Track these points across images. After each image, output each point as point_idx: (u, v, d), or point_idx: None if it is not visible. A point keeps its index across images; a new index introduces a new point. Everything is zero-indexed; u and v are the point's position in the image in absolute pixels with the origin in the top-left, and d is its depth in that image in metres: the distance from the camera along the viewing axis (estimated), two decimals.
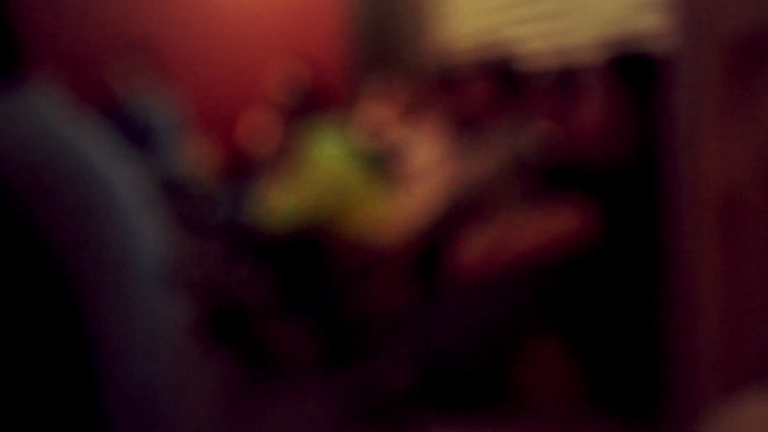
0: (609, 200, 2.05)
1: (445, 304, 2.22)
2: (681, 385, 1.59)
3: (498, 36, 4.66)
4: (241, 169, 4.97)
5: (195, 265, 3.66)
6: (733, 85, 1.45)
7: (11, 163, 1.10)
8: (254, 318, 2.69)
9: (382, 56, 5.61)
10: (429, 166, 3.52)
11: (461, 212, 2.56)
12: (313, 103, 3.48)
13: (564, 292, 2.04)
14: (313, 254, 3.27)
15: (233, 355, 2.62)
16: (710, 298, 1.51)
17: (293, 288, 3.03)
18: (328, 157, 3.39)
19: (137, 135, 5.62)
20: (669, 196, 1.59)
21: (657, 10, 3.07)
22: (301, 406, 2.41)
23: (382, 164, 3.69)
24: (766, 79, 1.40)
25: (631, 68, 2.12)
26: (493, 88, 3.08)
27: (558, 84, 2.68)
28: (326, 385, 2.48)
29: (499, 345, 2.06)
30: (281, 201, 3.38)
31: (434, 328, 2.12)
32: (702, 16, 1.47)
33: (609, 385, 2.03)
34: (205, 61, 6.42)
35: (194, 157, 6.17)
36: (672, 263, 1.60)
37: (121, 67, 5.49)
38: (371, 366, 2.38)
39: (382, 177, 3.58)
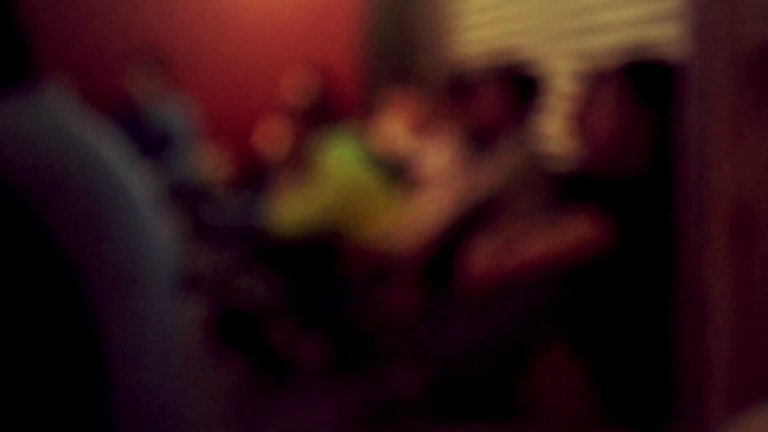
0: (622, 209, 2.04)
1: (455, 312, 2.22)
2: (692, 398, 1.59)
3: (512, 45, 4.66)
4: (255, 176, 4.99)
5: (207, 270, 3.67)
6: (747, 95, 1.45)
7: (23, 163, 1.11)
8: (265, 322, 2.69)
9: (396, 66, 5.64)
10: (442, 175, 3.52)
11: (473, 221, 2.56)
12: (328, 111, 3.49)
13: (575, 302, 2.04)
14: (324, 260, 3.28)
15: (244, 359, 2.62)
16: (722, 309, 1.51)
17: (304, 293, 3.04)
18: (342, 165, 3.40)
19: (152, 141, 5.66)
20: (682, 206, 1.58)
21: (671, 21, 3.07)
22: (310, 411, 2.41)
23: (395, 173, 3.70)
24: None
25: (646, 77, 2.11)
26: (506, 97, 3.08)
27: (572, 91, 2.67)
28: (335, 391, 2.48)
29: (508, 354, 2.05)
30: (295, 207, 3.40)
31: (444, 335, 2.11)
32: (715, 27, 1.47)
33: (620, 397, 2.02)
34: (220, 69, 6.46)
35: (209, 163, 6.20)
36: (684, 274, 1.59)
37: (137, 73, 5.53)
38: (380, 372, 2.38)
39: (396, 185, 3.59)
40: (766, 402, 1.44)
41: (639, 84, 2.10)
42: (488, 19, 5.19)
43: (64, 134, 1.18)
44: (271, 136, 4.97)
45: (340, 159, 3.42)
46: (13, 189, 1.07)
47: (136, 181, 1.28)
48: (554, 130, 3.94)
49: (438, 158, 3.61)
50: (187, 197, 4.67)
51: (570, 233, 2.04)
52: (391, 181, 3.54)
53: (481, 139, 3.19)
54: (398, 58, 6.09)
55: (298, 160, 3.49)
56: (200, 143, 5.99)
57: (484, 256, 2.20)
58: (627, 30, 3.35)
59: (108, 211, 1.17)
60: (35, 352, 0.92)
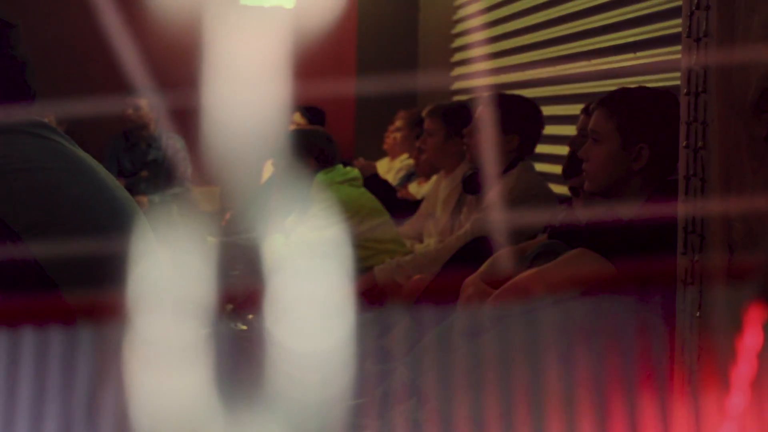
0: (618, 248, 2.04)
1: (454, 341, 2.20)
2: None
3: (511, 80, 4.70)
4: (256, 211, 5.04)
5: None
6: (741, 137, 1.46)
7: (27, 183, 1.12)
8: (257, 340, 2.66)
9: (393, 107, 5.74)
10: (443, 213, 3.53)
11: (475, 251, 2.56)
12: (326, 152, 3.55)
13: (569, 332, 2.03)
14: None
15: (235, 375, 2.60)
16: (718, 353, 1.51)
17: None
18: (347, 195, 3.44)
19: (149, 169, 5.78)
20: (677, 250, 1.58)
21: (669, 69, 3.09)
22: None
23: (394, 211, 3.74)
24: None
25: (645, 118, 2.12)
26: (504, 125, 3.07)
27: (575, 136, 2.69)
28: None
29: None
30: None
31: (440, 365, 2.10)
32: (716, 73, 1.48)
33: None
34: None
35: (205, 193, 6.31)
36: (678, 317, 1.59)
37: (138, 104, 5.69)
38: (374, 400, 2.36)
39: (395, 223, 3.62)
40: None
41: (639, 127, 2.11)
42: (485, 50, 5.21)
43: (63, 159, 1.19)
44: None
45: (343, 192, 3.45)
46: (13, 212, 1.08)
47: (134, 207, 1.29)
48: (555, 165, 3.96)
49: (438, 196, 3.63)
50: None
51: (569, 269, 2.03)
52: (390, 219, 3.58)
53: (481, 177, 3.19)
54: (396, 96, 6.25)
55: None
56: (196, 174, 6.17)
57: (484, 288, 2.19)
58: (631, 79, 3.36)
59: (105, 236, 1.18)
60: None
